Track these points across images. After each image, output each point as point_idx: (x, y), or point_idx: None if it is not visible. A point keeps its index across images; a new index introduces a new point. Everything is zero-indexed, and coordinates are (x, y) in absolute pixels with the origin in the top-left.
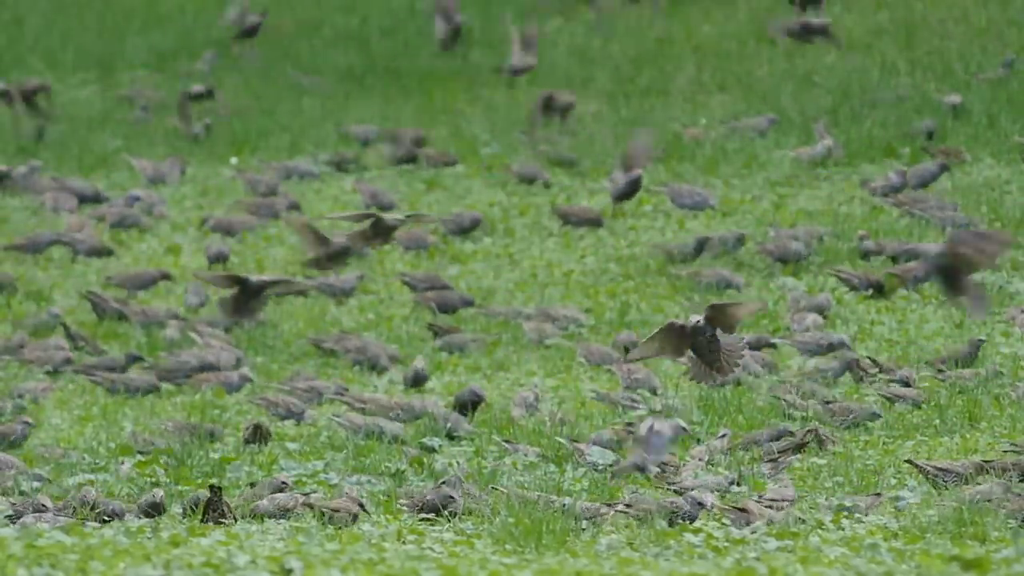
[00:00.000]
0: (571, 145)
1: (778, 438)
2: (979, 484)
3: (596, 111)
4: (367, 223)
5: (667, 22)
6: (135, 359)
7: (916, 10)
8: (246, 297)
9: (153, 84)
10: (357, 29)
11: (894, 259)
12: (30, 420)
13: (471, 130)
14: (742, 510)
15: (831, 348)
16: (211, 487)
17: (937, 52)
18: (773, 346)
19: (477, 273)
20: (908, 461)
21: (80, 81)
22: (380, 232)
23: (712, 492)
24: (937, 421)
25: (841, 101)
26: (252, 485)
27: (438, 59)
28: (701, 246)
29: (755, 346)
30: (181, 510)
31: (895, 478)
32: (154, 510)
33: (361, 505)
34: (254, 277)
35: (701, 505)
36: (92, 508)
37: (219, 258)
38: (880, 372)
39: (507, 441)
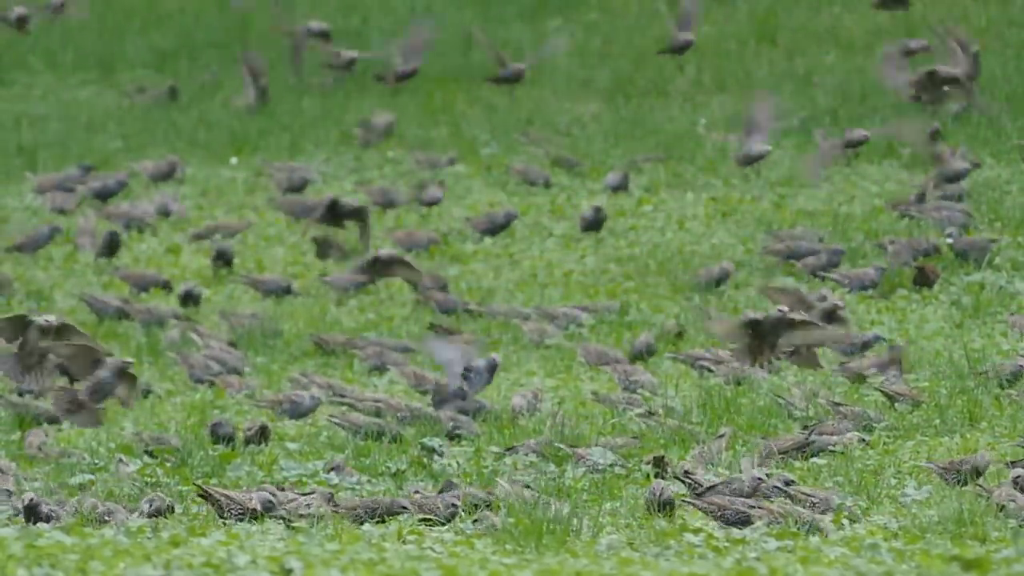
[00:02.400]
0: (571, 145)
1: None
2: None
3: (596, 111)
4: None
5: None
6: None
7: (916, 10)
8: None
9: (154, 84)
10: (357, 29)
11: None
12: (49, 435)
13: (471, 130)
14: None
15: (865, 346)
16: (196, 485)
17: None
18: None
19: (477, 273)
20: (920, 465)
21: (80, 81)
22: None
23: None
24: (937, 421)
25: (841, 101)
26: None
27: (438, 59)
28: (837, 257)
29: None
30: (182, 510)
31: (895, 478)
32: (155, 511)
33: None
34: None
35: (792, 482)
36: (92, 509)
37: (222, 257)
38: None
39: (508, 449)
